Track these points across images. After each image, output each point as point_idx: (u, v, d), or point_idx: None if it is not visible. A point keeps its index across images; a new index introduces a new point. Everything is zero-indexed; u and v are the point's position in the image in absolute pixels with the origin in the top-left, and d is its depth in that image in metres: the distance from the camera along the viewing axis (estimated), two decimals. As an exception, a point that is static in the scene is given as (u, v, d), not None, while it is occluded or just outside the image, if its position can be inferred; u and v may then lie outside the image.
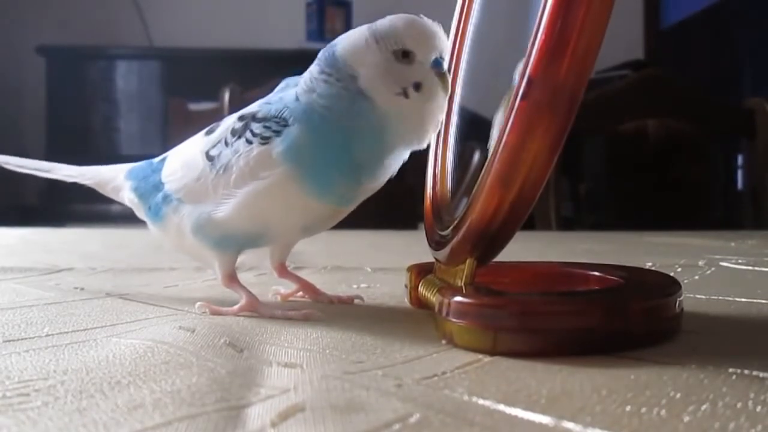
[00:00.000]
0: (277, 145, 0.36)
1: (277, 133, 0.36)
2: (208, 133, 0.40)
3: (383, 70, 0.36)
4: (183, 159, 0.40)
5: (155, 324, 0.36)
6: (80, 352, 0.30)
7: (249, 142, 0.37)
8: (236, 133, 0.38)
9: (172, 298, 0.44)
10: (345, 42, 0.37)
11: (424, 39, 0.36)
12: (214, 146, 0.38)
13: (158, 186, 0.41)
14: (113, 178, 0.44)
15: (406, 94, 0.36)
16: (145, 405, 0.23)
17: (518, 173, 0.30)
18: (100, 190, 0.45)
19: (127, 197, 0.43)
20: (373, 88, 0.36)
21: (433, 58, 0.36)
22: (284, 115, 0.36)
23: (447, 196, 0.42)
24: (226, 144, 0.38)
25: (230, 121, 0.39)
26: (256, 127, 0.37)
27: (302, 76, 0.38)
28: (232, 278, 0.40)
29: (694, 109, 1.31)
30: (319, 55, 0.38)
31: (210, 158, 0.38)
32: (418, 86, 0.36)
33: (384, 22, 0.37)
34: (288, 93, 0.38)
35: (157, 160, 0.43)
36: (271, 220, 0.38)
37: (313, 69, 0.37)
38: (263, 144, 0.36)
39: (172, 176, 0.40)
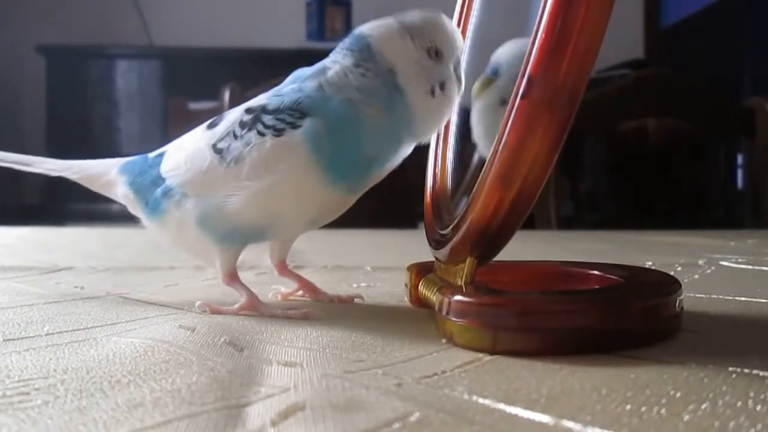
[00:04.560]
0: (299, 136, 0.36)
1: (292, 125, 0.36)
2: (211, 126, 0.39)
3: (419, 67, 0.37)
4: (187, 153, 0.39)
5: (155, 323, 0.36)
6: (80, 350, 0.30)
7: (261, 134, 0.37)
8: (245, 126, 0.37)
9: (172, 297, 0.43)
10: (378, 35, 0.37)
11: (453, 39, 0.38)
12: (221, 139, 0.38)
13: (157, 181, 0.40)
14: (104, 173, 0.43)
15: (433, 93, 0.37)
16: (145, 404, 0.23)
17: (518, 172, 0.30)
18: (89, 186, 0.44)
19: (121, 192, 0.42)
20: (409, 85, 0.37)
21: (456, 58, 0.38)
22: (301, 106, 0.36)
23: (447, 195, 0.42)
24: (235, 136, 0.37)
25: (236, 113, 0.39)
26: (269, 119, 0.37)
27: (322, 67, 0.38)
28: (233, 276, 0.40)
29: (694, 109, 1.31)
30: (347, 46, 0.38)
31: (218, 151, 0.38)
32: (442, 86, 0.37)
33: (415, 19, 0.38)
34: (307, 84, 0.37)
35: (153, 155, 0.42)
36: (283, 212, 0.38)
37: (345, 62, 0.37)
38: (277, 136, 0.36)
39: (176, 170, 0.39)
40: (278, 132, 0.36)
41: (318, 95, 0.37)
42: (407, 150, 0.39)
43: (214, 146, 0.38)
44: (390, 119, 0.37)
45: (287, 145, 0.36)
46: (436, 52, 0.37)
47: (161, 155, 0.41)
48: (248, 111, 0.38)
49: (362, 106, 0.36)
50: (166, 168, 0.40)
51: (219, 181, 0.37)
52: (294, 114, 0.36)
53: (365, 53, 0.37)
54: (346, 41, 0.38)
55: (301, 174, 0.36)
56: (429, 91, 0.37)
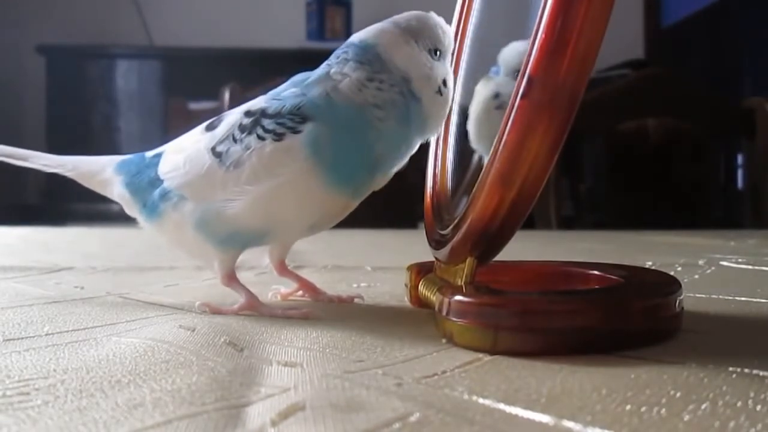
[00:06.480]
0: (300, 141, 0.36)
1: (293, 129, 0.36)
2: (209, 128, 0.39)
3: (428, 69, 0.37)
4: (186, 155, 0.39)
5: (155, 323, 0.36)
6: (80, 350, 0.30)
7: (261, 138, 0.36)
8: (245, 129, 0.37)
9: (172, 297, 0.43)
10: (386, 44, 0.37)
11: (447, 35, 0.39)
12: (221, 142, 0.38)
13: (154, 182, 0.40)
14: (99, 171, 0.42)
15: (440, 92, 0.38)
16: (145, 404, 0.23)
17: (518, 172, 0.30)
18: (84, 183, 0.43)
19: (117, 192, 0.41)
20: (423, 89, 0.37)
21: (450, 52, 0.39)
22: (302, 110, 0.36)
23: (447, 195, 0.42)
24: (235, 140, 0.37)
25: (236, 115, 0.38)
26: (268, 123, 0.36)
27: (324, 73, 0.37)
28: (231, 277, 0.40)
29: (694, 109, 1.31)
30: (356, 57, 0.37)
31: (217, 155, 0.37)
32: (444, 82, 0.38)
33: (413, 22, 0.38)
34: (311, 90, 0.37)
35: (150, 154, 0.41)
36: (283, 217, 0.38)
37: (357, 75, 0.37)
38: (277, 140, 0.36)
39: (174, 172, 0.39)
40: (278, 136, 0.36)
41: (324, 102, 0.36)
42: (413, 150, 0.39)
43: (213, 149, 0.38)
44: (406, 126, 0.37)
45: (287, 149, 0.36)
46: (436, 51, 0.38)
47: (159, 155, 0.41)
48: (248, 114, 0.38)
49: (377, 122, 0.36)
50: (164, 170, 0.40)
51: (218, 185, 0.37)
52: (295, 118, 0.36)
53: (377, 65, 0.37)
54: (350, 52, 0.37)
55: (300, 179, 0.36)
56: (437, 91, 0.37)
